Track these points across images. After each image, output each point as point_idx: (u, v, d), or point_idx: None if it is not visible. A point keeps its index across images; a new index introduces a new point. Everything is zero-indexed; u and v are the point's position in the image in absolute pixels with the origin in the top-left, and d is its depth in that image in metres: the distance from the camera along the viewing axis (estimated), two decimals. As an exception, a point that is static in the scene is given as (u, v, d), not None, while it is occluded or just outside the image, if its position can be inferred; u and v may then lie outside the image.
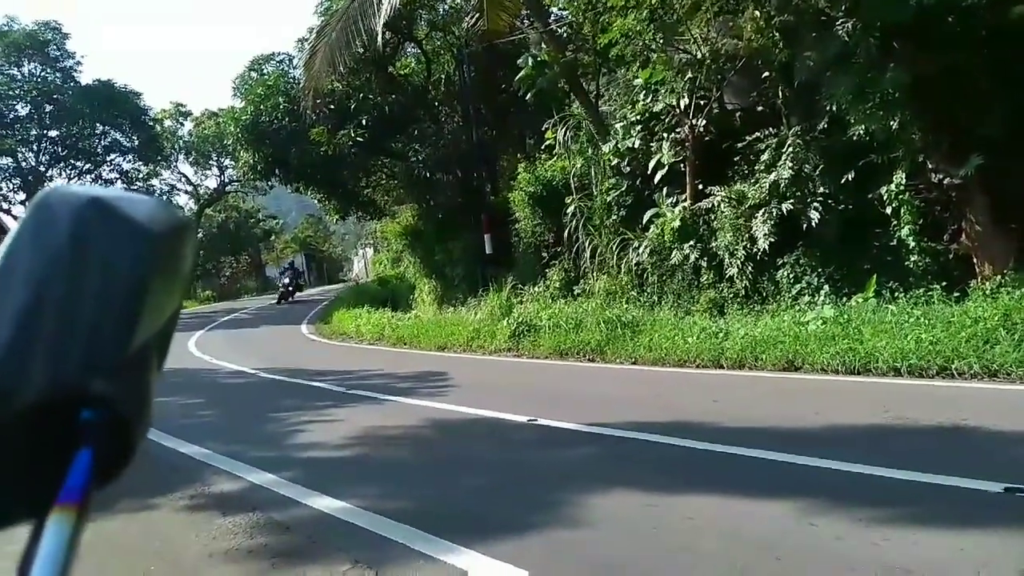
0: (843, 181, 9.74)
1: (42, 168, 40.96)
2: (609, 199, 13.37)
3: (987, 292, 8.24)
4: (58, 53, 39.53)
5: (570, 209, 14.20)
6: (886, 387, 6.96)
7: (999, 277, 8.41)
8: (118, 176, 42.96)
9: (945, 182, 8.88)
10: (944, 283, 8.82)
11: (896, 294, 8.99)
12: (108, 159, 42.97)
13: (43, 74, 39.46)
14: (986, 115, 8.46)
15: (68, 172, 41.85)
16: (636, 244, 12.45)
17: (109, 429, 0.49)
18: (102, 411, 0.49)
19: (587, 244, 13.89)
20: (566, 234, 14.41)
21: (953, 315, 7.81)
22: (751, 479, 4.63)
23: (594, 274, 13.59)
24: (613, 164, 13.28)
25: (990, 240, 8.85)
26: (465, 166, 19.92)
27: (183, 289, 0.58)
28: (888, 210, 9.45)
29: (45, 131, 40.48)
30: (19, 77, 38.90)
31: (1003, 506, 3.79)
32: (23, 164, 40.42)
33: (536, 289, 14.78)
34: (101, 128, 41.40)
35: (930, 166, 9.09)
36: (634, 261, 12.48)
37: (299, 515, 4.61)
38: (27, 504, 0.48)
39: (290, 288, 33.08)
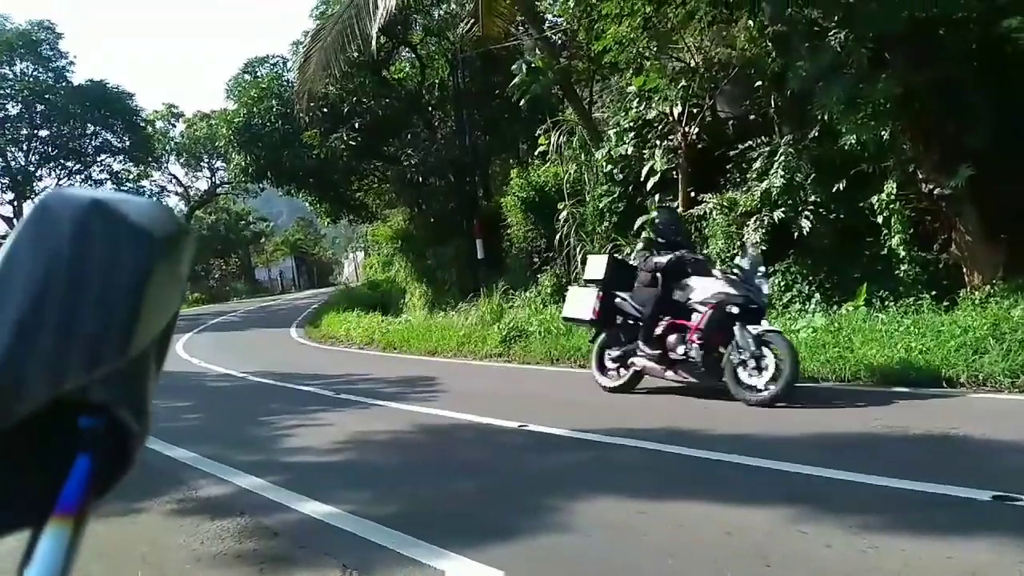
0: (834, 190, 9.79)
1: (32, 168, 40.70)
2: (601, 205, 13.39)
3: (976, 302, 8.29)
4: (51, 53, 39.31)
5: (562, 215, 14.22)
6: (876, 395, 6.98)
7: (988, 287, 8.46)
8: (108, 177, 42.69)
9: (935, 192, 8.94)
10: (934, 292, 8.88)
11: (886, 303, 9.03)
12: (98, 160, 42.72)
13: (35, 74, 39.21)
14: (976, 126, 8.52)
15: (58, 172, 41.59)
16: (628, 250, 12.46)
17: (108, 436, 0.48)
18: (101, 418, 0.48)
19: (579, 250, 13.89)
20: (558, 240, 14.42)
21: (943, 324, 7.85)
22: (741, 486, 4.63)
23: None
24: (606, 170, 13.30)
25: (979, 250, 8.91)
26: (458, 171, 19.93)
27: (181, 294, 0.57)
28: (879, 219, 9.50)
29: (35, 131, 40.24)
30: (10, 76, 38.64)
31: (992, 514, 3.80)
32: (12, 164, 40.15)
33: (527, 294, 14.77)
34: (92, 128, 41.16)
35: (920, 176, 9.15)
36: (626, 267, 12.48)
37: (287, 520, 4.58)
38: (23, 513, 0.47)
39: None
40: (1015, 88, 8.40)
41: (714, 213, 10.94)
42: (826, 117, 9.30)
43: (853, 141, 9.10)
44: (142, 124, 42.99)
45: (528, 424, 6.63)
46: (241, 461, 6.08)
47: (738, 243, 10.49)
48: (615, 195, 13.25)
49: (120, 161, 43.56)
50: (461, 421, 7.19)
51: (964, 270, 9.09)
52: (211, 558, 4.04)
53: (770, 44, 10.47)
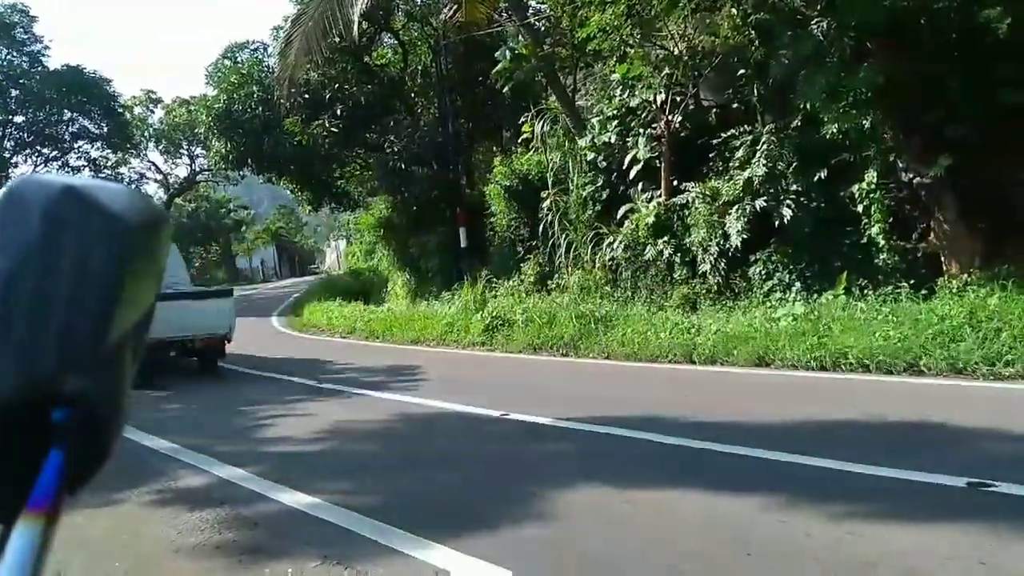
0: (815, 179, 9.85)
1: (7, 154, 39.97)
2: (585, 194, 13.38)
3: (954, 290, 8.38)
4: (25, 36, 38.53)
5: (546, 203, 14.20)
6: (855, 383, 7.04)
7: (965, 276, 8.56)
8: (86, 164, 42.05)
9: (915, 181, 9.01)
10: (912, 281, 8.96)
11: (865, 291, 9.10)
12: (76, 146, 42.05)
13: (9, 58, 38.45)
14: (955, 116, 8.59)
15: (34, 159, 40.92)
16: (611, 239, 12.48)
17: (82, 429, 0.47)
18: (75, 410, 0.46)
19: (562, 239, 13.90)
20: (541, 228, 14.41)
21: (920, 313, 7.93)
22: (722, 474, 4.66)
23: (568, 269, 13.61)
24: (589, 159, 13.29)
25: (957, 239, 9.00)
26: (441, 158, 19.83)
27: (159, 282, 0.56)
28: (859, 208, 9.57)
29: (10, 116, 39.49)
30: (-17, 60, 37.94)
31: (967, 500, 3.85)
32: (-13, 150, 39.48)
33: (511, 283, 14.76)
34: (69, 114, 40.48)
35: (900, 165, 9.22)
36: (608, 256, 12.51)
37: (267, 510, 4.56)
38: None
39: None
40: (993, 78, 8.45)
41: (696, 202, 10.96)
42: (808, 106, 9.34)
43: (835, 130, 9.14)
44: (120, 110, 42.35)
45: (511, 413, 6.63)
46: (221, 451, 6.05)
47: (719, 232, 10.53)
48: (598, 183, 13.25)
49: (98, 148, 42.91)
50: (444, 410, 7.18)
51: (942, 259, 9.18)
52: (190, 549, 4.01)
53: (753, 32, 10.49)
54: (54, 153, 41.39)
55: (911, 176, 9.03)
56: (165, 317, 8.78)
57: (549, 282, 14.03)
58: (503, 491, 4.63)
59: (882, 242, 9.36)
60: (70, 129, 41.35)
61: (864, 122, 8.90)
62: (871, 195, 9.39)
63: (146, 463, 5.83)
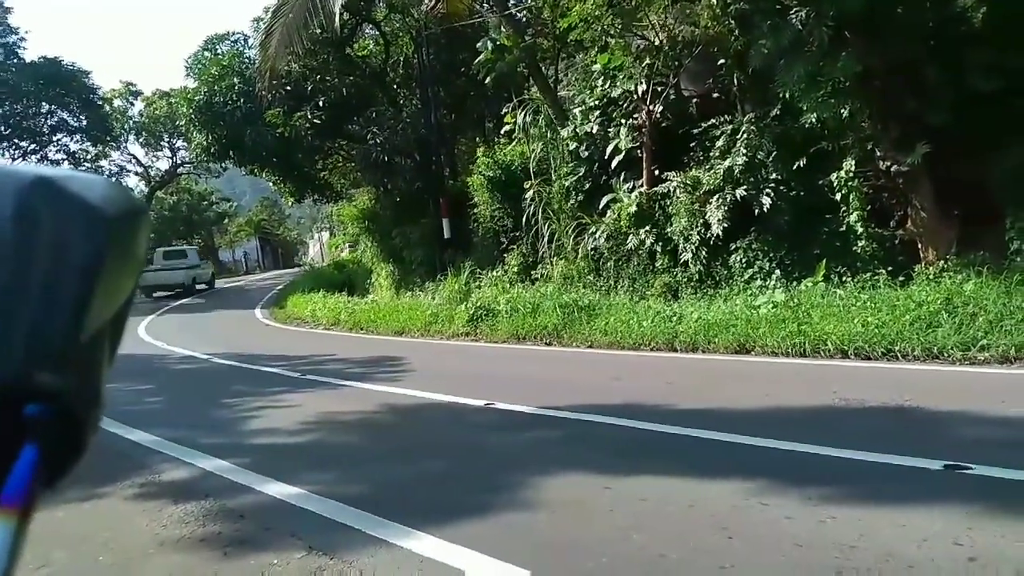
0: (795, 168, 9.92)
1: (-17, 148, 39.42)
2: (567, 184, 13.40)
3: (930, 277, 8.50)
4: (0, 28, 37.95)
5: (529, 194, 14.20)
6: (834, 369, 7.13)
7: (942, 262, 8.67)
8: (65, 157, 41.48)
9: (892, 169, 9.10)
10: (890, 268, 9.07)
11: (844, 279, 9.21)
12: (54, 139, 41.45)
13: (-17, 50, 37.86)
14: (932, 104, 8.68)
15: (12, 152, 40.29)
16: (593, 229, 12.51)
17: (57, 425, 0.46)
18: (49, 405, 0.45)
19: (545, 229, 13.92)
20: (524, 219, 14.42)
21: (898, 299, 8.04)
22: (704, 460, 4.72)
23: (552, 259, 13.64)
24: (571, 149, 13.31)
25: (934, 226, 9.11)
26: (423, 150, 19.76)
27: (137, 275, 0.55)
28: (838, 196, 9.66)
29: (-14, 109, 38.92)
30: (-44, 52, 37.29)
31: (943, 483, 3.93)
32: (-38, 144, 38.87)
33: (494, 274, 14.77)
34: (47, 107, 39.87)
35: (879, 154, 9.31)
36: (591, 246, 12.56)
37: (253, 502, 4.56)
38: None
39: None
40: (967, 66, 8.55)
41: (678, 191, 11.01)
42: (787, 95, 9.40)
43: (813, 119, 9.22)
44: (99, 102, 41.77)
45: (495, 402, 6.66)
46: (205, 444, 6.03)
47: (700, 221, 10.59)
48: (581, 173, 13.28)
49: (77, 141, 42.33)
50: (428, 400, 7.20)
51: (919, 246, 9.29)
52: (174, 542, 4.01)
53: (733, 22, 10.53)
54: (32, 146, 40.80)
55: (888, 164, 9.13)
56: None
57: (533, 272, 14.06)
58: (487, 480, 4.66)
59: (860, 230, 9.45)
60: (48, 122, 40.76)
61: (842, 111, 8.98)
62: (849, 183, 9.48)
63: (129, 456, 5.80)
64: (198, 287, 30.03)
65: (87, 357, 0.48)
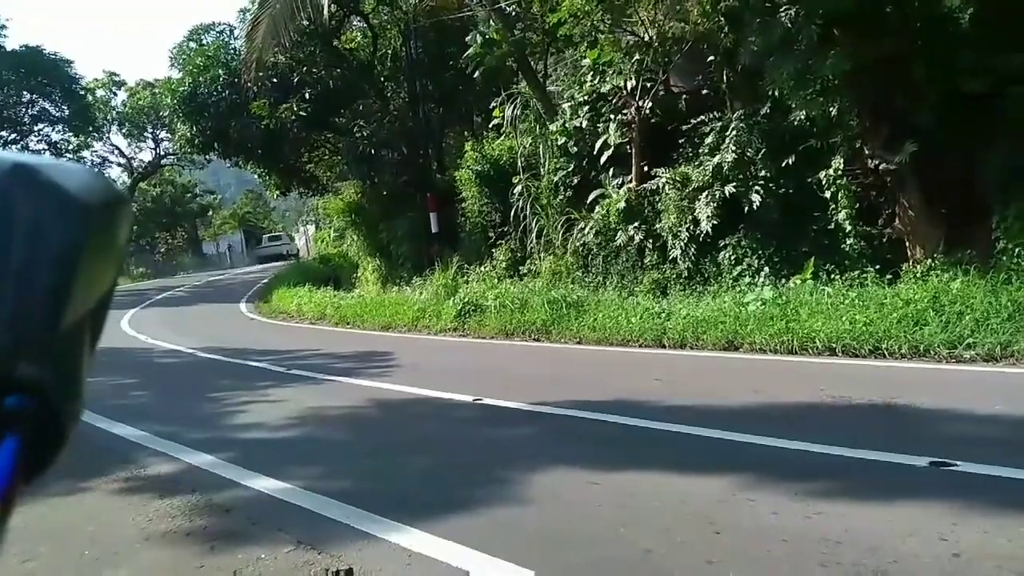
0: (784, 165, 9.95)
1: (-37, 137, 38.92)
2: (556, 179, 13.40)
3: (918, 275, 8.54)
4: (-21, 16, 37.49)
5: (517, 189, 14.18)
6: (821, 366, 7.17)
7: (929, 260, 8.73)
8: (46, 147, 41.10)
9: (881, 168, 9.15)
10: (878, 266, 9.12)
11: (832, 276, 9.25)
12: (36, 129, 41.06)
13: (-37, 38, 37.34)
14: (921, 103, 8.73)
15: (-9, 141, 39.85)
16: (582, 224, 12.51)
17: (37, 417, 0.45)
18: (29, 397, 0.44)
19: (534, 224, 13.90)
20: (513, 213, 14.40)
21: (885, 297, 8.08)
22: (692, 456, 4.73)
23: (540, 254, 13.63)
24: (560, 144, 13.29)
25: (922, 225, 9.17)
26: (411, 143, 19.69)
27: (118, 265, 0.54)
28: (826, 194, 9.70)
29: (-34, 98, 38.42)
30: (-64, 40, 36.77)
31: (929, 479, 3.96)
32: (-58, 133, 38.37)
33: (482, 269, 14.75)
34: (28, 96, 39.47)
35: (867, 152, 9.35)
36: (580, 241, 12.56)
37: (239, 496, 4.53)
38: None
39: None
40: (955, 66, 8.60)
41: (667, 188, 11.02)
42: (776, 93, 9.42)
43: (803, 117, 9.25)
44: (82, 92, 41.37)
45: (483, 398, 6.65)
46: (191, 438, 5.98)
47: (689, 217, 10.61)
48: (569, 169, 13.27)
49: (59, 131, 41.94)
50: (416, 396, 7.17)
51: (907, 244, 9.35)
52: (160, 536, 3.98)
53: (723, 19, 10.54)
54: (13, 136, 40.36)
55: (877, 162, 9.17)
56: None
57: (521, 268, 14.05)
58: (475, 475, 4.65)
59: (848, 227, 9.50)
60: (30, 111, 40.36)
61: (831, 109, 9.02)
62: (838, 181, 9.52)
63: (114, 451, 5.75)
64: (290, 257, 44.09)
65: (67, 348, 0.48)
